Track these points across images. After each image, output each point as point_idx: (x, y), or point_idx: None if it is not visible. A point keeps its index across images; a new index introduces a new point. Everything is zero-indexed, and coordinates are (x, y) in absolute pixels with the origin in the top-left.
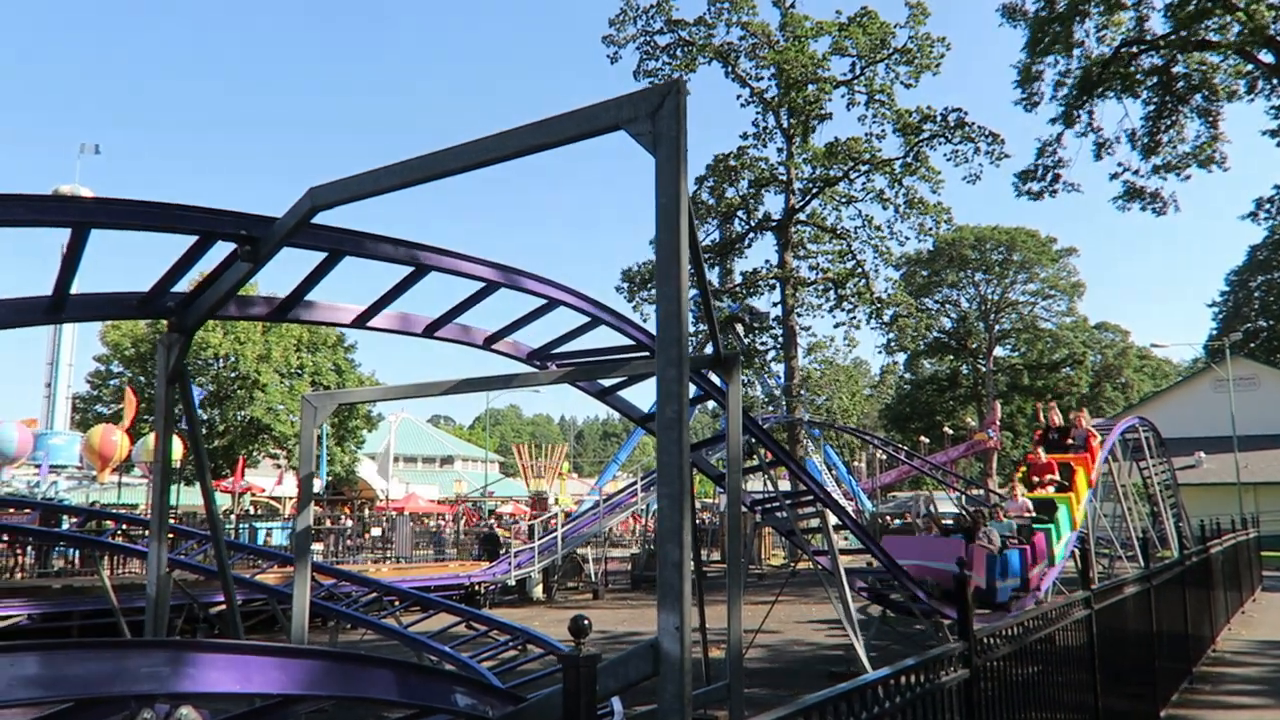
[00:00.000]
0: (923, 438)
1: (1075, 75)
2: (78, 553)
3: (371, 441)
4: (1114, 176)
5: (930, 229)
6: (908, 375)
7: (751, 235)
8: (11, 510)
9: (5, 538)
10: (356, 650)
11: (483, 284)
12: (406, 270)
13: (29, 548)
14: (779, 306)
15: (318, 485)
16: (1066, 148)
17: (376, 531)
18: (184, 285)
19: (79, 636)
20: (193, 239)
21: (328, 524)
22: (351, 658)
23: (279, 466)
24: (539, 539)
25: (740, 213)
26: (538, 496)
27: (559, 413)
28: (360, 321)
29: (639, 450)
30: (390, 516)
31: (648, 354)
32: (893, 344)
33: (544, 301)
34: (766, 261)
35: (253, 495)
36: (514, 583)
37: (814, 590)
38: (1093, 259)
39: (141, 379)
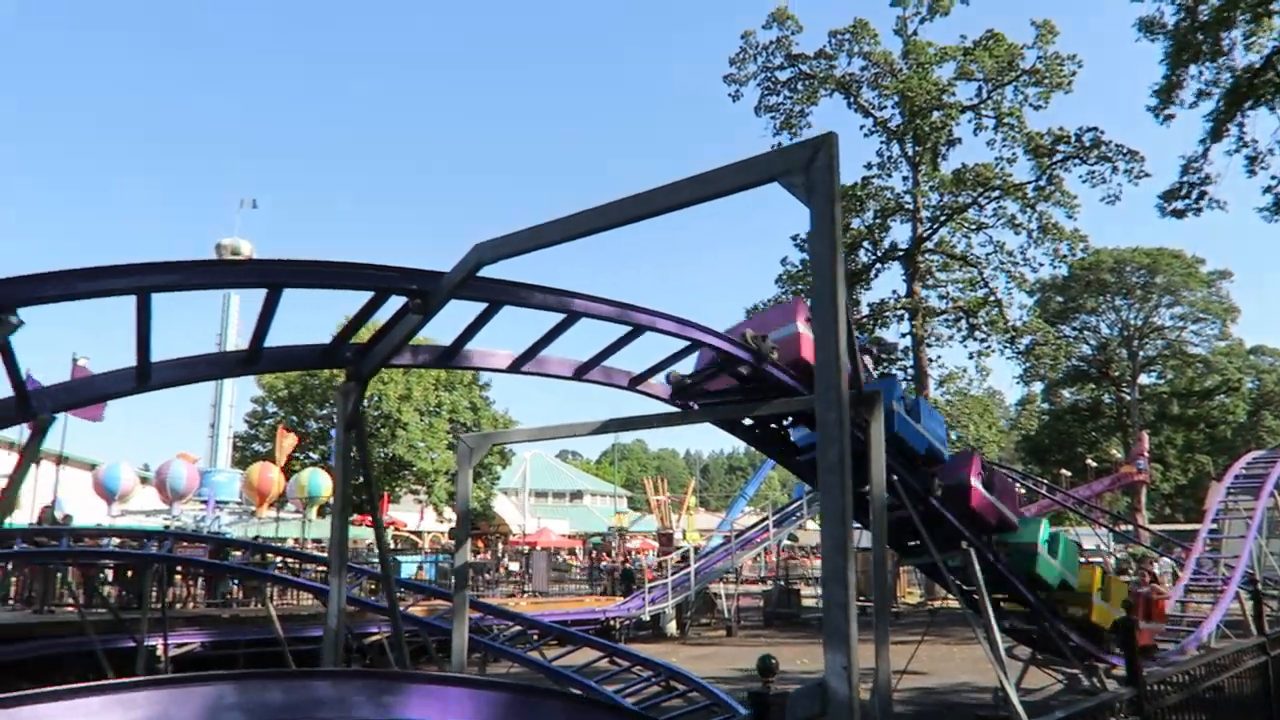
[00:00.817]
0: (1064, 470)
1: (1223, 87)
2: (238, 583)
3: (504, 477)
4: (1268, 190)
5: (1065, 255)
6: (1046, 405)
7: (878, 266)
8: (185, 544)
9: (179, 569)
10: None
11: (629, 329)
12: (558, 317)
13: (199, 578)
14: (908, 337)
15: (454, 519)
16: (1213, 163)
17: (514, 566)
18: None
19: (245, 665)
20: (369, 294)
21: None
22: (528, 689)
23: (420, 502)
24: (671, 574)
25: (866, 243)
26: (666, 532)
27: (684, 446)
28: (515, 366)
29: (764, 484)
30: (524, 551)
31: (790, 392)
32: (1029, 373)
33: (686, 344)
34: (894, 292)
35: (395, 530)
36: (648, 618)
37: (954, 629)
38: (1246, 276)
39: (293, 418)
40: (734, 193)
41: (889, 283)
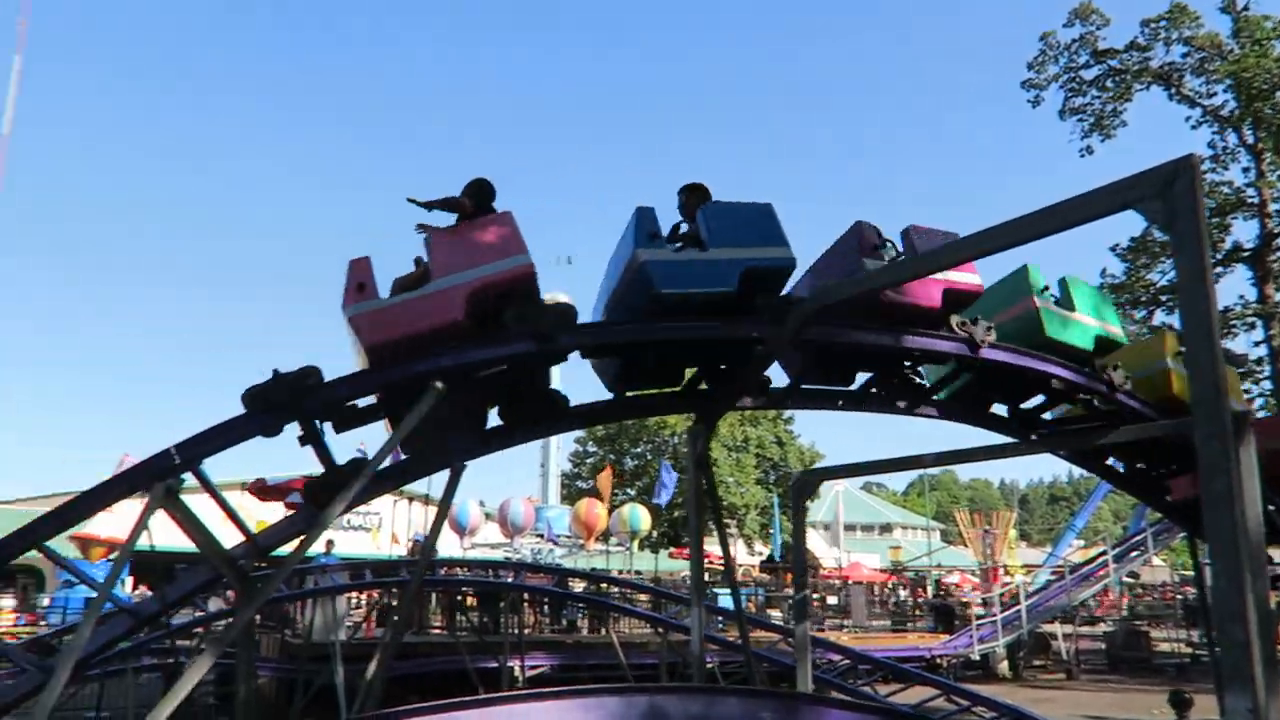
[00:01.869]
0: None
1: None
2: (582, 612)
3: (813, 510)
4: None
5: None
6: None
7: (1219, 270)
8: (530, 574)
9: (526, 597)
10: None
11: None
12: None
13: (545, 606)
14: (1262, 346)
15: (764, 553)
16: None
17: (831, 600)
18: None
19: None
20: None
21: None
22: (902, 716)
23: (731, 536)
24: (999, 611)
25: None
26: (987, 567)
27: (999, 476)
28: (852, 403)
29: (1093, 515)
30: (836, 584)
31: (1141, 420)
32: None
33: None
34: (1240, 297)
35: (709, 563)
36: (977, 657)
37: None
38: None
39: (611, 456)
40: (1082, 224)
41: (1234, 287)
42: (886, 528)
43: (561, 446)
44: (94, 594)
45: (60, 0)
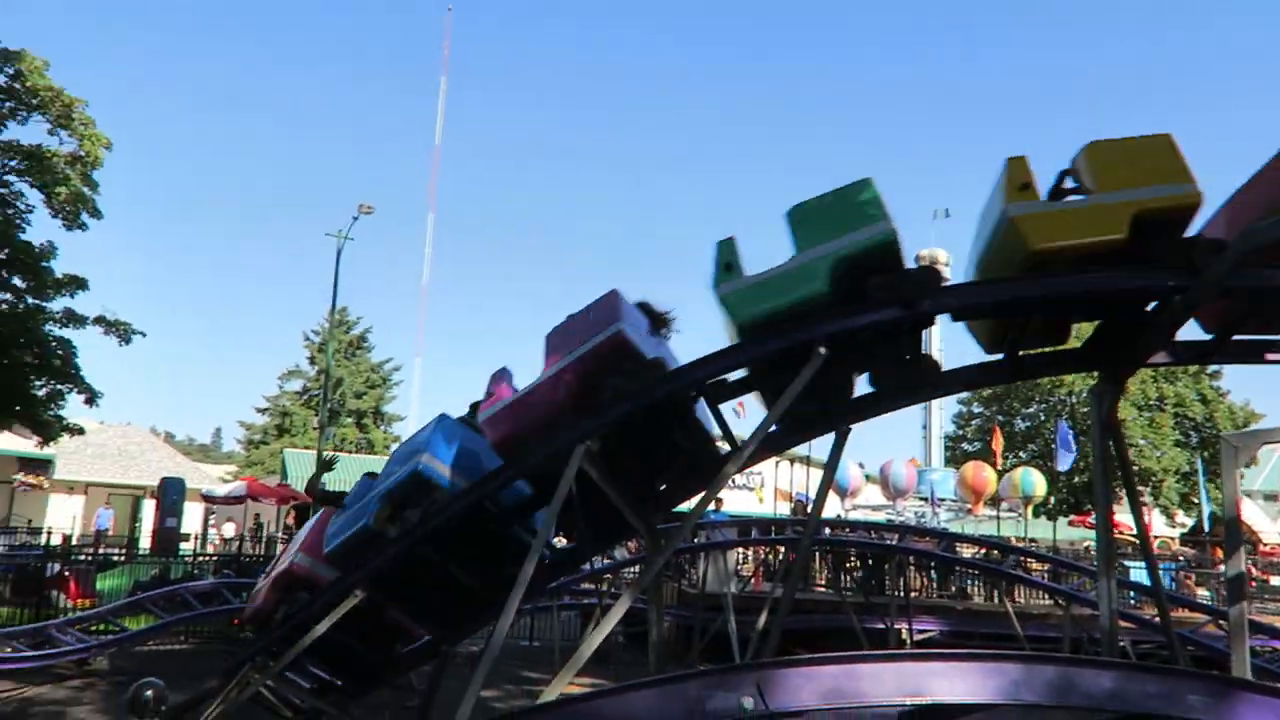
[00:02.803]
0: None
1: None
2: (974, 579)
3: (1249, 478)
4: None
5: None
6: None
7: None
8: (915, 537)
9: (912, 560)
10: None
11: None
12: None
13: (932, 571)
14: None
15: (1185, 523)
16: None
17: (1275, 580)
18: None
19: None
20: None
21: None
22: None
23: (1145, 504)
24: None
25: None
26: None
27: None
28: None
29: None
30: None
31: None
32: None
33: None
34: None
35: (1117, 533)
36: None
37: None
38: None
39: (1000, 417)
40: None
41: None
42: None
43: (944, 407)
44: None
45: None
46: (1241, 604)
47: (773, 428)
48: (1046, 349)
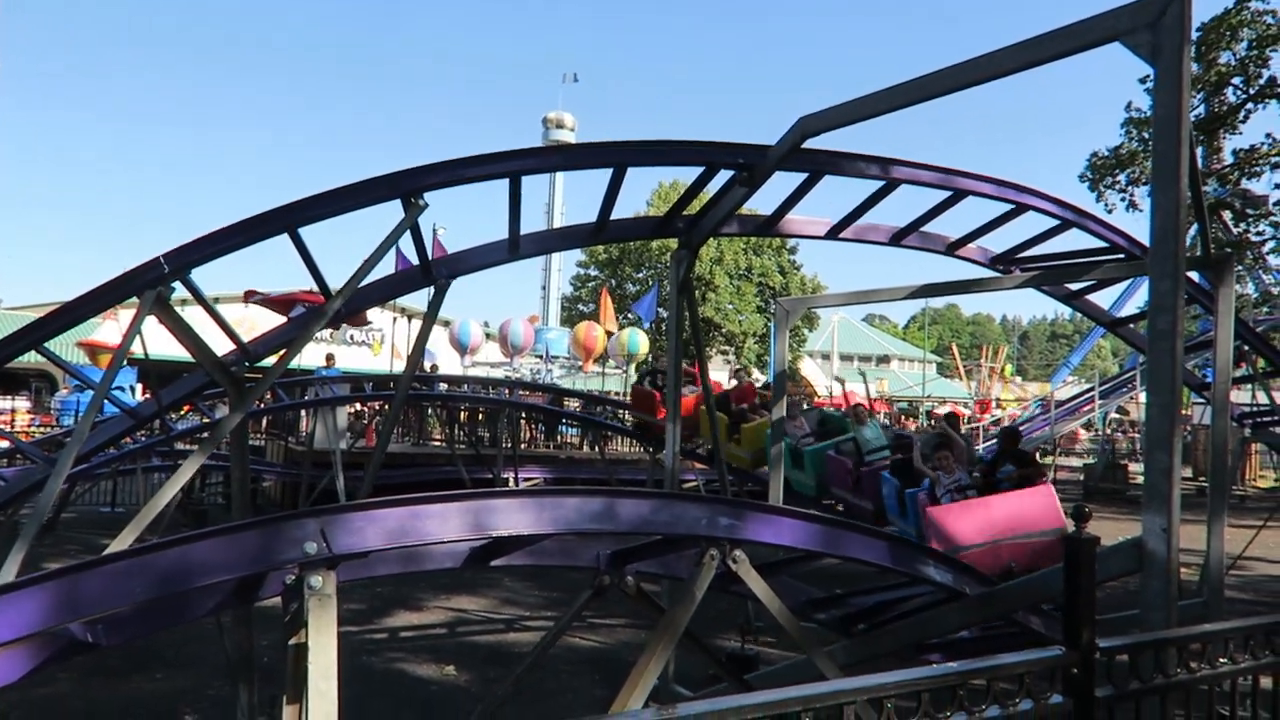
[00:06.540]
0: None
1: None
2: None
3: (810, 340)
4: None
5: None
6: None
7: (1249, 106)
8: (526, 393)
9: (523, 413)
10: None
11: (949, 193)
12: (876, 184)
13: (540, 424)
14: None
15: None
16: None
17: None
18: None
19: None
20: (700, 169)
21: None
22: (836, 523)
23: (729, 363)
24: (983, 443)
25: (1236, 80)
26: (979, 399)
27: (1001, 312)
28: (833, 233)
29: (1093, 353)
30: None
31: (1122, 256)
32: None
33: (1010, 206)
34: (1268, 135)
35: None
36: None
37: None
38: None
39: (612, 281)
40: (1067, 55)
41: (1264, 125)
42: (885, 359)
43: (562, 269)
44: None
45: None
46: (780, 444)
47: (372, 276)
48: (628, 217)
